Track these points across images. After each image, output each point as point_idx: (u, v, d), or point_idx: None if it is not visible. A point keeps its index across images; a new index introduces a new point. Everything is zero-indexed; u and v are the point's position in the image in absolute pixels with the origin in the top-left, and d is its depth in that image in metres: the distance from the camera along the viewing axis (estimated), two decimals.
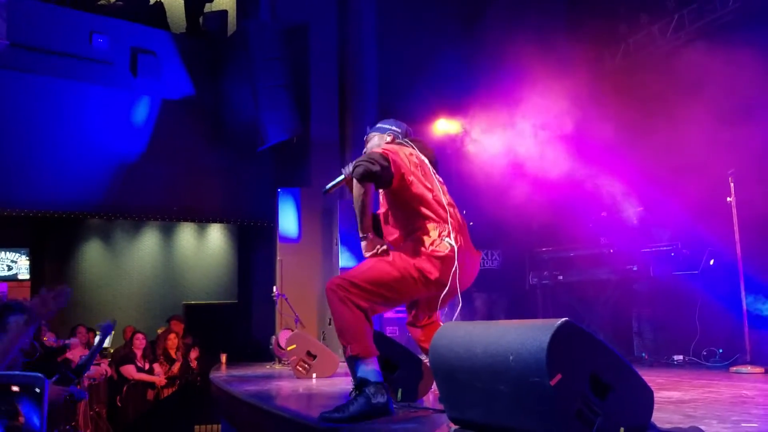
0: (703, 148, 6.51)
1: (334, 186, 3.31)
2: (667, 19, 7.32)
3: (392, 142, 3.35)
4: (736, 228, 5.49)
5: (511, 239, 8.47)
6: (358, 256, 8.83)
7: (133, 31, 9.28)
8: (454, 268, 2.94)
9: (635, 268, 6.78)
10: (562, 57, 7.41)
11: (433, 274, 2.95)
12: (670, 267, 6.49)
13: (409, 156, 3.14)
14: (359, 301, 2.88)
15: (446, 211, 3.06)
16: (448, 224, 3.02)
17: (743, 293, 5.42)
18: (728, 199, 5.54)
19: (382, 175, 2.97)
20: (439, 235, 3.00)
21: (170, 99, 9.46)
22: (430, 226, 3.03)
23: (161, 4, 10.49)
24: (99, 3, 9.75)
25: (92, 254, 12.12)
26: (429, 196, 3.08)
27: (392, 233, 3.19)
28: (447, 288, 2.96)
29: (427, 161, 3.22)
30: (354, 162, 3.02)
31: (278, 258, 8.70)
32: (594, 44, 7.92)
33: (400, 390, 3.46)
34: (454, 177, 8.58)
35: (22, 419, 2.34)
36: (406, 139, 3.36)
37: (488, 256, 8.74)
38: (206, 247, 12.35)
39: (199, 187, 9.60)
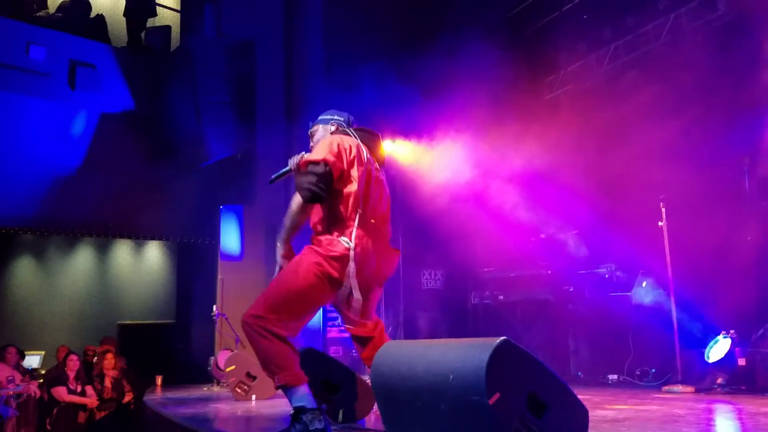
0: (635, 173, 6.77)
1: (279, 177, 3.27)
2: (604, 49, 7.61)
3: (336, 131, 3.31)
4: (667, 251, 5.69)
5: (454, 260, 8.58)
6: None
7: (72, 43, 9.04)
8: (349, 268, 2.96)
9: (572, 289, 6.96)
10: (502, 83, 7.60)
11: (333, 273, 2.95)
12: (605, 288, 6.69)
13: (347, 149, 3.11)
14: (278, 329, 2.85)
15: (358, 208, 3.05)
16: (354, 222, 3.02)
17: (674, 314, 5.61)
18: (660, 223, 5.75)
19: (326, 192, 2.99)
20: (339, 235, 3.01)
21: (109, 113, 9.24)
22: (331, 223, 3.05)
23: (102, 17, 10.28)
24: (37, 14, 9.49)
25: (23, 271, 11.63)
26: (347, 190, 3.06)
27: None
28: (345, 288, 2.98)
29: (366, 152, 3.21)
30: (301, 178, 2.98)
31: (219, 276, 8.56)
32: (533, 71, 8.16)
33: (341, 411, 3.43)
34: (398, 199, 8.66)
35: None
36: (350, 128, 3.33)
37: (432, 276, 8.83)
38: (144, 265, 12.03)
39: (138, 203, 9.37)
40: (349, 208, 3.05)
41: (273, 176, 3.30)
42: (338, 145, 3.08)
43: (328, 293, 3.01)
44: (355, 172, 3.09)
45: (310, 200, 2.99)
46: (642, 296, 5.91)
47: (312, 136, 3.44)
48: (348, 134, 3.25)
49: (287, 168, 3.17)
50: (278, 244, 3.19)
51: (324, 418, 2.82)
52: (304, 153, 3.11)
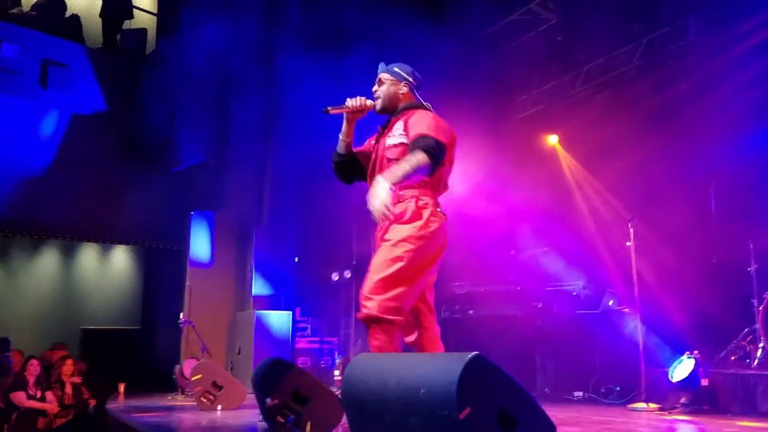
0: (604, 194, 6.89)
1: (336, 110, 3.18)
2: (576, 70, 7.74)
3: (407, 95, 3.23)
4: (634, 271, 5.77)
5: None
6: (273, 283, 8.70)
7: (45, 42, 8.91)
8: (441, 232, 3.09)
9: (540, 306, 7.02)
10: (475, 101, 7.66)
11: (435, 248, 3.06)
12: (573, 306, 6.76)
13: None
14: (398, 330, 2.90)
15: (444, 179, 3.20)
16: (439, 194, 3.17)
17: (640, 333, 5.69)
18: (627, 243, 5.83)
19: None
20: (434, 205, 3.10)
21: (81, 114, 9.10)
22: (428, 195, 3.09)
23: (77, 17, 10.15)
24: (11, 11, 9.33)
25: None
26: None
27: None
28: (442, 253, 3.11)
29: None
30: (424, 143, 2.87)
31: (188, 283, 8.46)
32: (505, 90, 8.26)
33: (309, 423, 3.41)
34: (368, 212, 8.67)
35: None
36: (421, 100, 3.23)
37: None
38: (110, 270, 11.84)
39: (106, 207, 9.21)
40: (441, 181, 3.17)
41: (330, 108, 3.17)
42: (450, 131, 3.09)
43: (436, 254, 3.09)
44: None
45: (428, 167, 2.89)
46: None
47: (380, 84, 3.27)
48: (425, 107, 3.19)
49: (346, 106, 3.15)
50: (387, 184, 2.80)
51: None
52: (366, 99, 3.16)
